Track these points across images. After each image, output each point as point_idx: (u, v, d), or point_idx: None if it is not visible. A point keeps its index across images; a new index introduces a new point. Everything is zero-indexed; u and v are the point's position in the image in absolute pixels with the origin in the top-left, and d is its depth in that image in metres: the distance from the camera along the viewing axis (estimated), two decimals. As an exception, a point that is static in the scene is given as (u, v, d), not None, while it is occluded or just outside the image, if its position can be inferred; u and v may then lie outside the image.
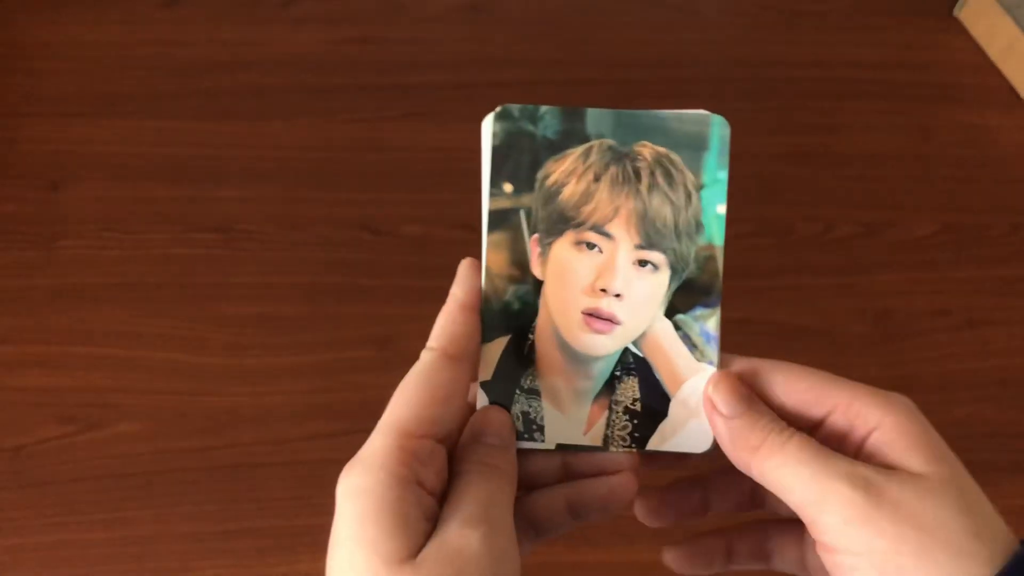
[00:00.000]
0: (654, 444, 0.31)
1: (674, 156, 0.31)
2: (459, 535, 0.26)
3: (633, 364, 0.31)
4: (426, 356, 0.30)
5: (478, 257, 0.32)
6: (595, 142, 0.31)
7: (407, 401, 0.29)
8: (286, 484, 0.90)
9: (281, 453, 0.92)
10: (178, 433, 0.93)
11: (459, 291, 0.31)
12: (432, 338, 0.31)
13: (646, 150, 0.31)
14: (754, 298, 1.01)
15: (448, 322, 0.31)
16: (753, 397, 0.30)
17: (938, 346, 1.04)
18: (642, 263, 0.31)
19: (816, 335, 1.02)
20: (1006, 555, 0.26)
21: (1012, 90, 1.27)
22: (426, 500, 0.28)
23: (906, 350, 1.03)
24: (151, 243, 1.05)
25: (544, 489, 0.32)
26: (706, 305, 0.31)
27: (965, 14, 1.34)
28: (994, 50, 1.30)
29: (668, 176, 0.31)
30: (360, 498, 0.27)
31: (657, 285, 0.31)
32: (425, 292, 1.06)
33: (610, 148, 0.31)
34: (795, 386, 0.30)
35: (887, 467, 0.27)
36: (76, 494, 0.89)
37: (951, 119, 1.24)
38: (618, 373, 0.31)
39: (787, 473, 0.27)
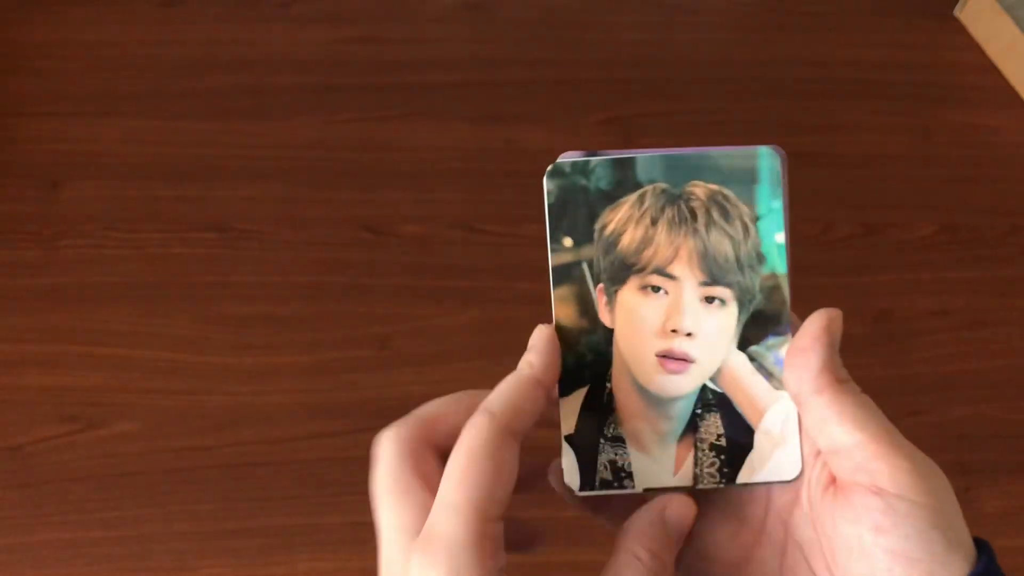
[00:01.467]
0: (744, 477, 0.31)
1: (727, 191, 0.32)
2: None
3: (713, 400, 0.32)
4: (486, 426, 0.27)
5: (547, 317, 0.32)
6: (648, 187, 0.32)
7: (479, 478, 0.26)
8: (286, 483, 0.90)
9: (281, 452, 0.92)
10: (178, 432, 0.93)
11: (537, 363, 0.30)
12: (493, 404, 0.28)
13: (699, 189, 0.32)
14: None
15: (517, 395, 0.29)
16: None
17: (938, 346, 1.04)
18: (709, 299, 0.31)
19: (816, 335, 1.02)
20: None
21: (1012, 90, 1.27)
22: None
23: (906, 350, 1.03)
24: (151, 242, 1.05)
25: None
26: (777, 334, 0.32)
27: (965, 14, 1.34)
28: (994, 50, 1.30)
29: (723, 211, 0.32)
30: None
31: (726, 319, 0.31)
32: (425, 292, 1.07)
33: (663, 191, 0.32)
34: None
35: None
36: (76, 493, 0.89)
37: (951, 119, 1.24)
38: (699, 411, 0.32)
39: (863, 413, 0.28)
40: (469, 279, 1.04)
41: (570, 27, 1.31)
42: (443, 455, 0.28)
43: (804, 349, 0.29)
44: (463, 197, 1.11)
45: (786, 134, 1.20)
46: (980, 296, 1.08)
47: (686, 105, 1.23)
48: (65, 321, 0.99)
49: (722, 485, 0.31)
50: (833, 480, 0.29)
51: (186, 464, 0.91)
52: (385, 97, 1.20)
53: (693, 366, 0.31)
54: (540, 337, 0.31)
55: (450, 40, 1.27)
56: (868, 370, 1.01)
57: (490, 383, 0.30)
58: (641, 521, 0.29)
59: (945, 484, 0.27)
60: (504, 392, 0.29)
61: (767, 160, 0.32)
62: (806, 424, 0.30)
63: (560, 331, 0.32)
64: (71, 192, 1.09)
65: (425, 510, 0.27)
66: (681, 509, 0.30)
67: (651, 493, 0.31)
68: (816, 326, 0.30)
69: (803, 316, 0.32)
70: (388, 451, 0.29)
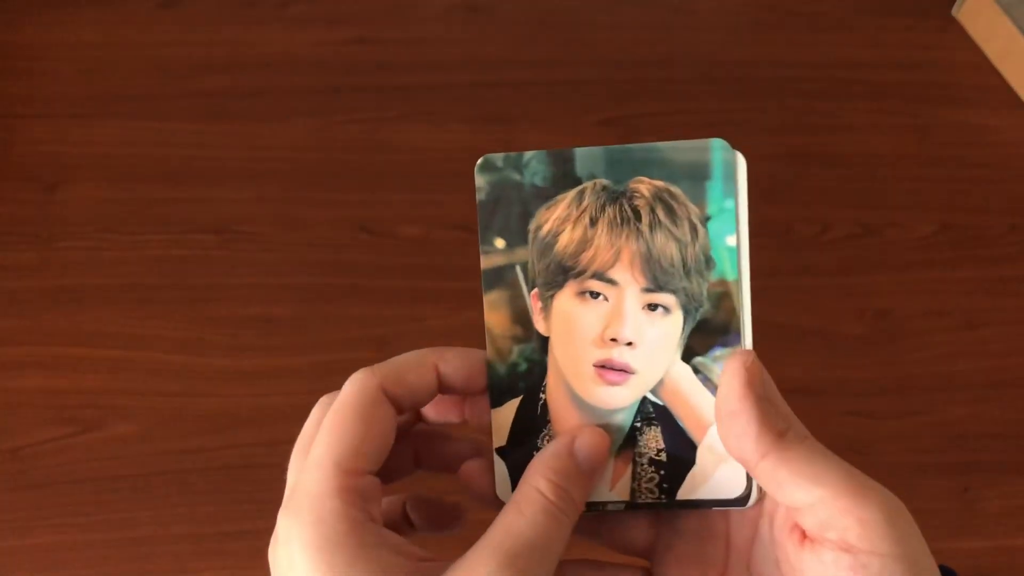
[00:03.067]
0: (685, 494, 0.29)
1: (674, 189, 0.29)
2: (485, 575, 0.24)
3: (653, 413, 0.30)
4: (360, 382, 0.28)
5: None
6: (587, 184, 0.29)
7: (343, 434, 0.27)
8: (283, 486, 0.89)
9: (279, 454, 0.91)
10: (176, 434, 0.93)
11: (452, 358, 0.30)
12: (380, 364, 0.29)
13: (643, 186, 0.29)
14: (753, 299, 1.00)
15: (406, 363, 0.29)
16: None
17: (937, 346, 1.04)
18: (652, 307, 0.29)
19: (816, 335, 1.02)
20: None
21: (1010, 90, 1.27)
22: (393, 539, 0.26)
23: (905, 350, 1.03)
24: (149, 244, 1.05)
25: None
26: (725, 344, 0.29)
27: (963, 14, 1.34)
28: (992, 50, 1.30)
29: (669, 211, 0.29)
30: (313, 548, 0.25)
31: (670, 328, 0.29)
32: (423, 293, 1.07)
33: (604, 188, 0.29)
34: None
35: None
36: (74, 495, 0.89)
37: (949, 119, 1.24)
38: (639, 424, 0.30)
39: (819, 465, 0.26)
40: (467, 280, 1.04)
41: (569, 27, 1.30)
42: (399, 408, 0.29)
43: (734, 413, 0.27)
44: (462, 198, 1.11)
45: (785, 134, 1.20)
46: (979, 296, 1.08)
47: (686, 105, 1.23)
48: (62, 323, 0.99)
49: (662, 500, 0.30)
50: (798, 526, 0.27)
51: (185, 466, 0.91)
52: (383, 98, 1.20)
53: (633, 377, 0.29)
54: (467, 351, 0.30)
55: (448, 41, 1.27)
56: (867, 370, 1.01)
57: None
58: (546, 453, 0.28)
59: (909, 521, 0.26)
60: (397, 358, 0.29)
61: (720, 154, 0.29)
62: (762, 485, 0.28)
63: (491, 339, 0.30)
64: (68, 194, 1.09)
65: (359, 455, 0.27)
66: (592, 439, 0.28)
67: (588, 509, 0.30)
68: (738, 384, 0.27)
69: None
70: (346, 393, 0.28)
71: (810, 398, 0.98)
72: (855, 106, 1.24)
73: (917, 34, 1.33)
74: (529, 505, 0.26)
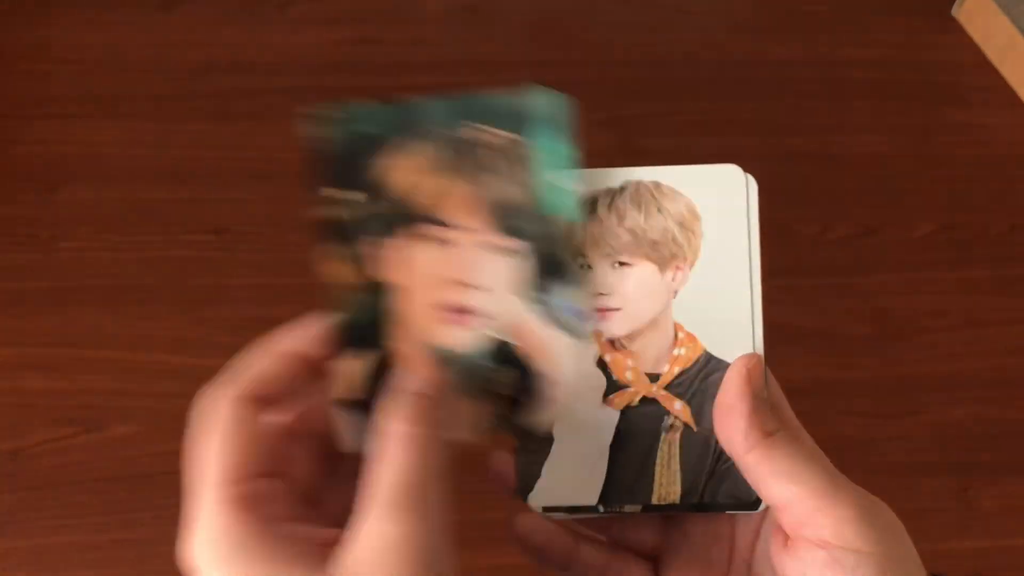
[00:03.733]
0: (532, 425, 0.30)
1: (512, 135, 0.30)
2: (377, 533, 0.24)
3: (507, 354, 0.30)
4: (226, 400, 0.28)
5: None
6: (426, 131, 0.30)
7: (217, 449, 0.28)
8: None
9: (279, 455, 0.91)
10: (176, 435, 0.92)
11: (298, 333, 0.30)
12: (237, 379, 0.29)
13: (482, 133, 0.30)
14: (753, 298, 1.00)
15: (259, 363, 0.29)
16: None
17: (937, 346, 1.04)
18: (493, 249, 0.30)
19: (816, 335, 1.02)
20: None
21: (1009, 89, 1.27)
22: (294, 531, 0.26)
23: (905, 350, 1.03)
24: (149, 245, 1.05)
25: None
26: (567, 282, 0.30)
27: (963, 14, 1.34)
28: (992, 49, 1.30)
29: (507, 156, 0.30)
30: (211, 567, 0.25)
31: (512, 269, 0.30)
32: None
33: (443, 136, 0.30)
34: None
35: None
36: (74, 496, 0.89)
37: (949, 118, 1.24)
38: (492, 366, 0.30)
39: (799, 465, 0.27)
40: (468, 280, 1.04)
41: (568, 28, 1.30)
42: (266, 407, 0.29)
43: (729, 408, 0.29)
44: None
45: (785, 134, 1.20)
46: (979, 295, 1.08)
47: (685, 105, 1.23)
48: (63, 324, 0.99)
49: (676, 504, 0.30)
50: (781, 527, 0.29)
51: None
52: (383, 98, 1.20)
53: (479, 319, 0.30)
54: (303, 322, 0.30)
55: (448, 41, 1.27)
56: (867, 370, 1.01)
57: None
58: (385, 398, 0.27)
59: (893, 526, 0.27)
60: (240, 361, 0.29)
61: (548, 103, 0.31)
62: (748, 480, 0.29)
63: (332, 292, 0.30)
64: (68, 195, 1.08)
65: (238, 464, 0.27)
66: (417, 369, 0.29)
67: (603, 511, 0.30)
68: (736, 382, 0.29)
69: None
70: (213, 413, 0.29)
71: (810, 398, 0.98)
72: (854, 106, 1.24)
73: (917, 34, 1.33)
74: (387, 448, 0.26)
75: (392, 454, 0.25)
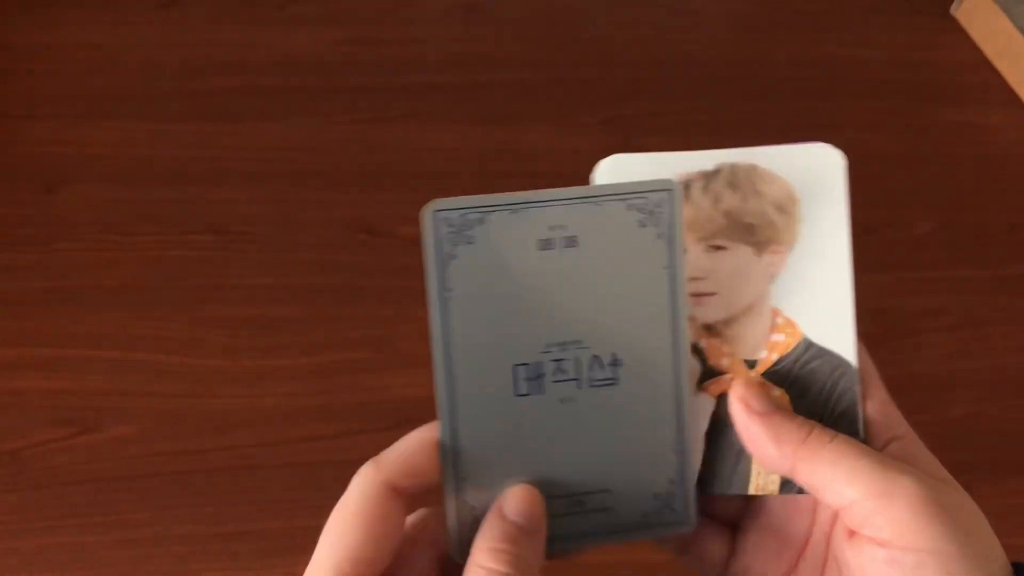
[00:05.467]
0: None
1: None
2: None
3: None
4: (365, 479, 0.27)
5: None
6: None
7: (343, 536, 0.26)
8: (283, 486, 0.89)
9: (278, 455, 0.91)
10: (175, 435, 0.93)
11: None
12: (383, 456, 0.27)
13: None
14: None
15: (411, 451, 0.27)
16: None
17: (937, 345, 1.04)
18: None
19: (815, 335, 1.02)
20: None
21: (1009, 88, 1.27)
22: None
23: (905, 349, 1.03)
24: (147, 245, 1.05)
25: None
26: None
27: (962, 13, 1.34)
28: (991, 49, 1.30)
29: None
30: None
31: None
32: (423, 294, 1.06)
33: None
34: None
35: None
36: (73, 497, 0.89)
37: (948, 117, 1.24)
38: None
39: (846, 466, 0.27)
40: (467, 280, 1.04)
41: (568, 27, 1.30)
42: (407, 495, 0.28)
43: (751, 442, 0.29)
44: (461, 198, 1.11)
45: (784, 133, 1.19)
46: (978, 294, 1.08)
47: (685, 105, 1.23)
48: (61, 324, 0.99)
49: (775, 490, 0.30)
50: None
51: (184, 467, 0.91)
52: (382, 98, 1.20)
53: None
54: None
55: (447, 41, 1.27)
56: (867, 370, 1.01)
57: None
58: (482, 527, 0.27)
59: (959, 519, 0.26)
60: (400, 443, 0.28)
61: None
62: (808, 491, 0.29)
63: None
64: (67, 195, 1.08)
65: (351, 555, 0.26)
66: (519, 494, 0.28)
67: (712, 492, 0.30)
68: (741, 416, 0.29)
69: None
70: (349, 491, 0.27)
71: (810, 398, 0.98)
72: (854, 105, 1.24)
73: (915, 33, 1.33)
74: None
75: None
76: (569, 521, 0.29)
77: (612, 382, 0.28)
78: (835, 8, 1.35)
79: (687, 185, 0.31)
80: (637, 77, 1.25)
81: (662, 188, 0.28)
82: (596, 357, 0.28)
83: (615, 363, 0.28)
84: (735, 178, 0.31)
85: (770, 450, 0.28)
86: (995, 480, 0.95)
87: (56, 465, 0.90)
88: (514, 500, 0.27)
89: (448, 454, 0.28)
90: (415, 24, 1.28)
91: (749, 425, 0.28)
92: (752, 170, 0.31)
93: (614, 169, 0.31)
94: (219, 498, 0.89)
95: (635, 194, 0.28)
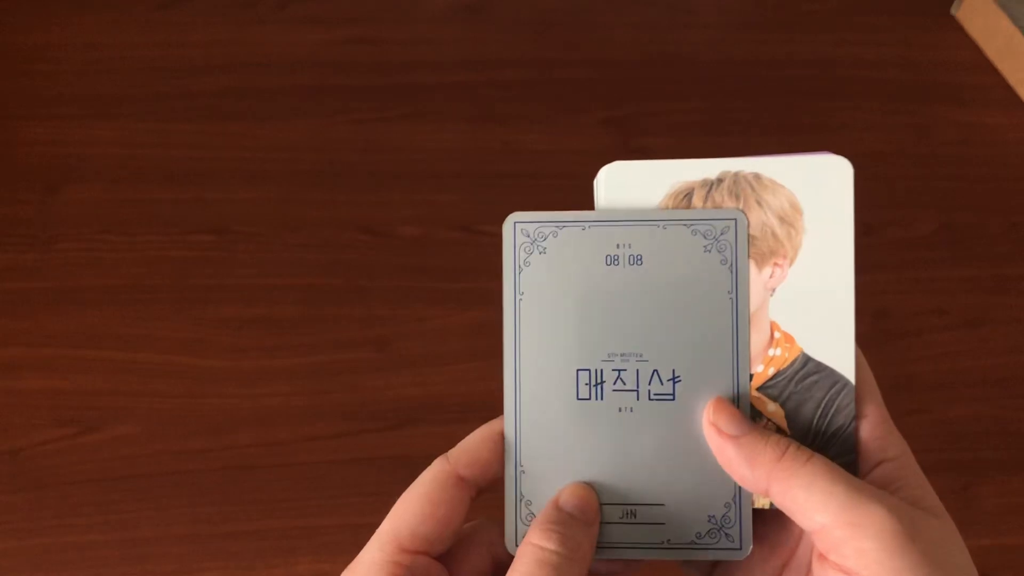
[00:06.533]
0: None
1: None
2: None
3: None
4: (435, 467, 0.29)
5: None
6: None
7: (405, 512, 0.28)
8: (285, 486, 0.89)
9: (279, 455, 0.91)
10: (176, 435, 0.93)
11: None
12: (454, 449, 0.30)
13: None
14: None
15: (477, 443, 0.30)
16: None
17: (937, 345, 1.04)
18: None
19: (815, 335, 1.02)
20: None
21: (1009, 88, 1.27)
22: None
23: (905, 349, 1.03)
24: (148, 245, 1.05)
25: None
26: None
27: (962, 13, 1.34)
28: (991, 49, 1.30)
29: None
30: None
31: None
32: (423, 294, 1.07)
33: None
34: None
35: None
36: (74, 497, 0.89)
37: (948, 118, 1.24)
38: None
39: (818, 490, 0.26)
40: (468, 281, 1.04)
41: (568, 27, 1.30)
42: (471, 485, 0.30)
43: (726, 463, 0.29)
44: (462, 199, 1.11)
45: (784, 133, 1.20)
46: (979, 294, 1.08)
47: (685, 105, 1.23)
48: (62, 324, 0.99)
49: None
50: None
51: (184, 467, 0.91)
52: (382, 98, 1.20)
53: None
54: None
55: (447, 41, 1.27)
56: (867, 369, 1.00)
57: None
58: (538, 515, 0.29)
59: (929, 549, 0.25)
60: (468, 438, 0.30)
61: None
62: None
63: None
64: (67, 195, 1.08)
65: (415, 530, 0.28)
66: (574, 490, 0.29)
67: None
68: (714, 439, 0.29)
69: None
70: (422, 476, 0.29)
71: (810, 397, 0.98)
72: (854, 105, 1.24)
73: (915, 33, 1.33)
74: (522, 562, 0.27)
75: (524, 566, 0.26)
76: (620, 529, 0.30)
77: (670, 398, 0.29)
78: (835, 8, 1.35)
79: (688, 193, 0.31)
80: (637, 77, 1.25)
81: (728, 217, 0.30)
82: (656, 372, 0.29)
83: (674, 379, 0.29)
84: (737, 188, 0.31)
85: (744, 471, 0.28)
86: (996, 479, 0.95)
87: (56, 465, 0.90)
88: (570, 493, 0.29)
89: (511, 447, 0.30)
90: (415, 24, 1.28)
91: (723, 448, 0.29)
92: (756, 179, 0.31)
93: (615, 176, 0.31)
94: (220, 498, 0.89)
95: (701, 220, 0.30)
